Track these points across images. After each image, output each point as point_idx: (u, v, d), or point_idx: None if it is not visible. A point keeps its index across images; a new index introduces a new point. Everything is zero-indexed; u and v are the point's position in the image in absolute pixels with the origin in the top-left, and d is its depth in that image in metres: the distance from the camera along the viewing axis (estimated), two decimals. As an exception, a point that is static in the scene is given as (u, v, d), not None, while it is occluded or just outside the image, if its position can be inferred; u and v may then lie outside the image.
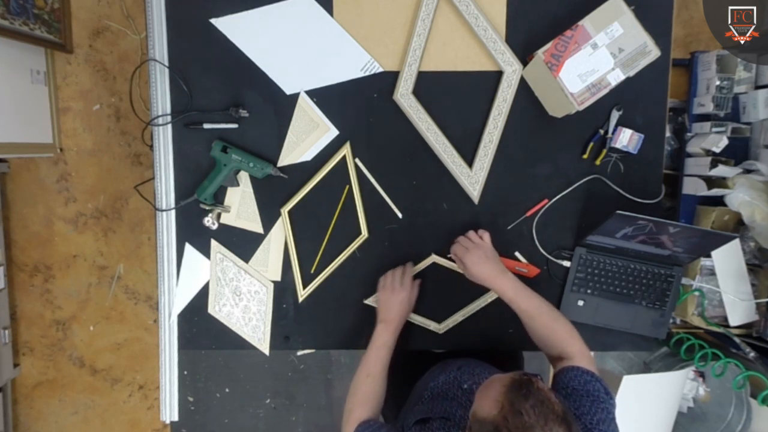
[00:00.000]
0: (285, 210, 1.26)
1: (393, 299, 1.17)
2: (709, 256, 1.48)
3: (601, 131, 1.24)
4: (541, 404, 0.73)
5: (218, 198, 1.27)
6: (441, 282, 1.28)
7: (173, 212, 1.28)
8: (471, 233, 1.20)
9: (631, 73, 1.12)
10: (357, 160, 1.25)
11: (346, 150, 1.24)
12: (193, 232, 1.28)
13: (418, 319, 1.29)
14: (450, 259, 1.25)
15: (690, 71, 1.63)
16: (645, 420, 1.54)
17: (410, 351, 1.31)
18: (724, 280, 1.48)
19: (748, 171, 1.54)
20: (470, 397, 0.96)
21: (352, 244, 1.27)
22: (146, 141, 1.30)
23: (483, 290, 1.26)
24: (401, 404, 1.12)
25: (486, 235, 1.20)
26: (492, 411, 0.75)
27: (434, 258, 1.27)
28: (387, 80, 1.23)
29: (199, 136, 1.25)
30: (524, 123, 1.25)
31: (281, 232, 1.27)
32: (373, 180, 1.24)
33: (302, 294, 1.28)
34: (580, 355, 1.00)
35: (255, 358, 2.27)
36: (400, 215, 1.26)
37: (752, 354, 1.46)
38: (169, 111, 1.25)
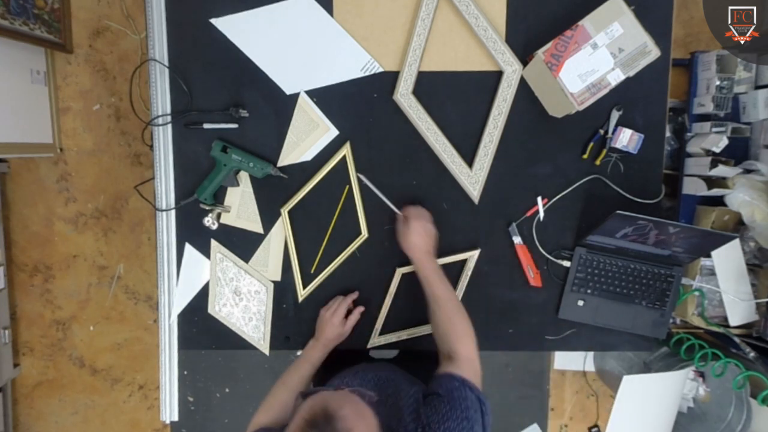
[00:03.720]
0: (285, 210, 1.26)
1: (329, 328, 1.19)
2: (709, 256, 1.48)
3: (601, 131, 1.24)
4: None
5: (218, 198, 1.27)
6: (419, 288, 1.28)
7: (173, 212, 1.28)
8: (418, 206, 1.21)
9: (631, 73, 1.12)
10: (356, 173, 1.25)
11: (346, 150, 1.24)
12: (193, 232, 1.28)
13: (423, 329, 1.29)
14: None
15: (690, 71, 1.63)
16: (645, 420, 1.54)
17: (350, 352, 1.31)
18: (724, 280, 1.48)
19: (748, 171, 1.54)
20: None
21: (352, 244, 1.27)
22: (146, 141, 1.30)
23: (457, 270, 1.27)
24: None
25: (428, 215, 1.20)
26: None
27: (401, 271, 1.27)
28: (387, 80, 1.23)
29: (199, 136, 1.25)
30: (524, 123, 1.25)
31: (281, 232, 1.27)
32: (369, 184, 1.23)
33: (302, 294, 1.28)
34: (466, 360, 0.98)
35: (255, 358, 2.27)
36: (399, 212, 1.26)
37: (752, 354, 1.46)
38: (169, 111, 1.25)
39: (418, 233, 1.14)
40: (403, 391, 0.93)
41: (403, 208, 1.22)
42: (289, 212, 1.26)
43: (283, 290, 1.29)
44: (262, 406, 1.10)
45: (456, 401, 0.87)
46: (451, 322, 1.04)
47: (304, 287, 1.29)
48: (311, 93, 1.24)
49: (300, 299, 1.29)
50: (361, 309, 1.25)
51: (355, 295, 1.27)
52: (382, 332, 1.29)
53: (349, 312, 1.24)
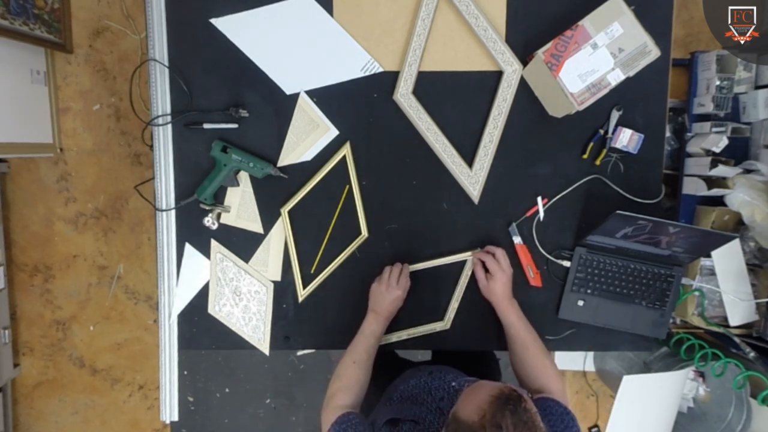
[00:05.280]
0: (285, 210, 1.26)
1: (387, 295, 1.18)
2: (709, 256, 1.48)
3: (601, 131, 1.24)
4: (523, 424, 0.72)
5: (218, 198, 1.27)
6: (425, 284, 1.28)
7: (173, 212, 1.28)
8: (498, 253, 1.21)
9: (631, 73, 1.12)
10: (354, 179, 1.25)
11: (346, 150, 1.24)
12: (193, 232, 1.28)
13: (422, 329, 1.29)
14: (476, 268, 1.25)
15: (690, 71, 1.63)
16: (645, 420, 1.54)
17: (388, 355, 1.32)
18: (724, 280, 1.48)
19: (748, 171, 1.54)
20: (439, 403, 0.96)
21: (352, 244, 1.27)
22: (146, 141, 1.30)
23: (458, 270, 1.28)
24: (372, 404, 1.12)
25: (506, 260, 1.22)
26: (473, 416, 0.74)
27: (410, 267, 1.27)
28: (387, 80, 1.23)
29: (199, 136, 1.25)
30: (524, 123, 1.25)
31: (281, 232, 1.27)
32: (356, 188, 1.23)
33: (302, 294, 1.28)
34: (560, 394, 1.03)
35: (255, 358, 2.27)
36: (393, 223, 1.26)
37: (752, 354, 1.46)
38: (169, 111, 1.25)
39: (501, 282, 1.18)
40: None
41: (474, 253, 1.24)
42: (289, 212, 1.26)
43: (283, 290, 1.29)
44: (336, 387, 1.08)
45: (567, 425, 0.93)
46: (542, 364, 1.09)
47: (304, 287, 1.29)
48: (311, 93, 1.24)
49: (300, 299, 1.29)
50: (407, 266, 1.25)
51: (407, 266, 1.26)
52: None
53: None
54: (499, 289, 1.18)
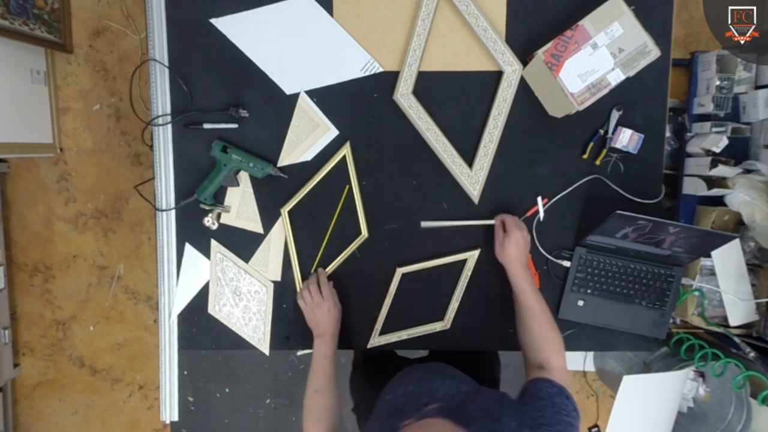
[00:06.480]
0: (285, 210, 1.26)
1: (318, 313, 1.18)
2: (709, 256, 1.48)
3: (601, 131, 1.24)
4: None
5: (218, 198, 1.27)
6: (425, 284, 1.28)
7: (173, 212, 1.28)
8: (518, 219, 1.22)
9: (631, 73, 1.12)
10: (354, 180, 1.25)
11: (346, 150, 1.24)
12: (193, 232, 1.28)
13: (422, 329, 1.29)
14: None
15: (690, 71, 1.63)
16: (645, 420, 1.54)
17: (386, 356, 1.31)
18: (724, 280, 1.48)
19: (748, 171, 1.54)
20: (424, 412, 0.91)
21: (353, 244, 1.27)
22: (146, 141, 1.30)
23: (458, 270, 1.28)
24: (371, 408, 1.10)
25: (521, 222, 1.22)
26: None
27: (401, 271, 1.27)
28: (387, 80, 1.23)
29: (199, 136, 1.25)
30: (524, 123, 1.25)
31: (281, 232, 1.27)
32: (434, 224, 1.24)
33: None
34: (559, 370, 1.01)
35: (255, 358, 2.27)
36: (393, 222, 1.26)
37: (752, 354, 1.46)
38: (169, 111, 1.25)
39: (518, 244, 1.15)
40: (486, 393, 0.92)
41: (497, 216, 1.23)
42: (289, 212, 1.26)
43: (283, 290, 1.29)
44: (307, 422, 1.07)
45: (558, 407, 0.88)
46: (548, 335, 1.06)
47: (304, 287, 1.28)
48: (311, 93, 1.24)
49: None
50: (322, 272, 1.25)
51: (322, 271, 1.27)
52: (383, 332, 1.29)
53: None
54: (512, 249, 1.15)
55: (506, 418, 0.81)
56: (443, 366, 1.06)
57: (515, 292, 1.14)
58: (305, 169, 1.26)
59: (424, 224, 1.26)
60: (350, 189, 1.26)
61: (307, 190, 1.26)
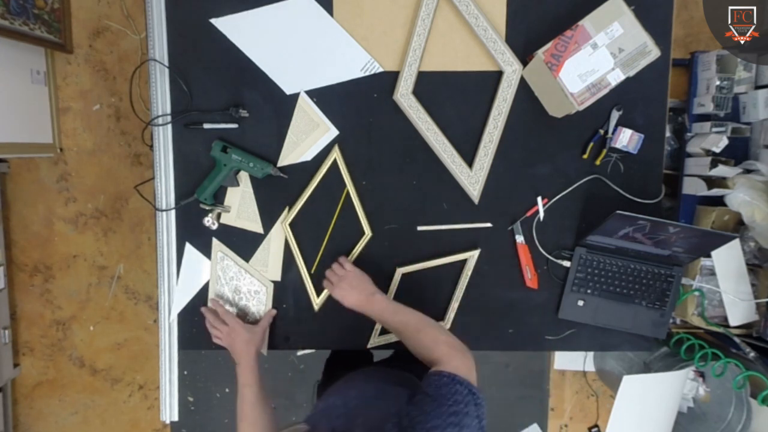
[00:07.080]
0: (285, 224, 1.25)
1: (231, 342, 1.19)
2: (709, 256, 1.48)
3: (601, 131, 1.24)
4: None
5: (218, 198, 1.27)
6: (425, 284, 1.28)
7: (173, 212, 1.28)
8: (334, 266, 1.20)
9: (631, 73, 1.12)
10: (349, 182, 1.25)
11: (335, 154, 1.24)
12: (193, 232, 1.28)
13: None
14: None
15: (690, 71, 1.63)
16: (645, 420, 1.54)
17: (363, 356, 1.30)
18: (724, 280, 1.48)
19: (748, 171, 1.54)
20: (334, 423, 0.89)
21: (359, 244, 1.26)
22: (146, 141, 1.30)
23: (458, 270, 1.28)
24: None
25: (347, 264, 1.20)
26: None
27: (401, 271, 1.27)
28: (387, 80, 1.23)
29: (199, 136, 1.25)
30: (524, 123, 1.25)
31: (281, 232, 1.27)
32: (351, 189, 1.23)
33: (317, 303, 1.28)
34: (446, 357, 0.95)
35: (255, 358, 2.27)
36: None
37: (752, 354, 1.46)
38: (169, 111, 1.25)
39: (351, 286, 1.15)
40: (391, 399, 0.91)
41: (323, 282, 1.22)
42: (289, 213, 1.26)
43: (282, 290, 1.29)
44: None
45: (443, 398, 0.84)
46: (417, 340, 1.02)
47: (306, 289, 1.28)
48: (311, 93, 1.24)
49: (316, 308, 1.28)
50: (218, 302, 1.27)
51: (218, 304, 1.27)
52: (382, 332, 1.29)
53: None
54: (352, 295, 1.13)
55: (388, 428, 0.79)
56: (385, 373, 1.05)
57: (385, 323, 1.10)
58: (305, 169, 1.26)
59: (421, 229, 1.26)
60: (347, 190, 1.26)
61: (304, 200, 1.25)
